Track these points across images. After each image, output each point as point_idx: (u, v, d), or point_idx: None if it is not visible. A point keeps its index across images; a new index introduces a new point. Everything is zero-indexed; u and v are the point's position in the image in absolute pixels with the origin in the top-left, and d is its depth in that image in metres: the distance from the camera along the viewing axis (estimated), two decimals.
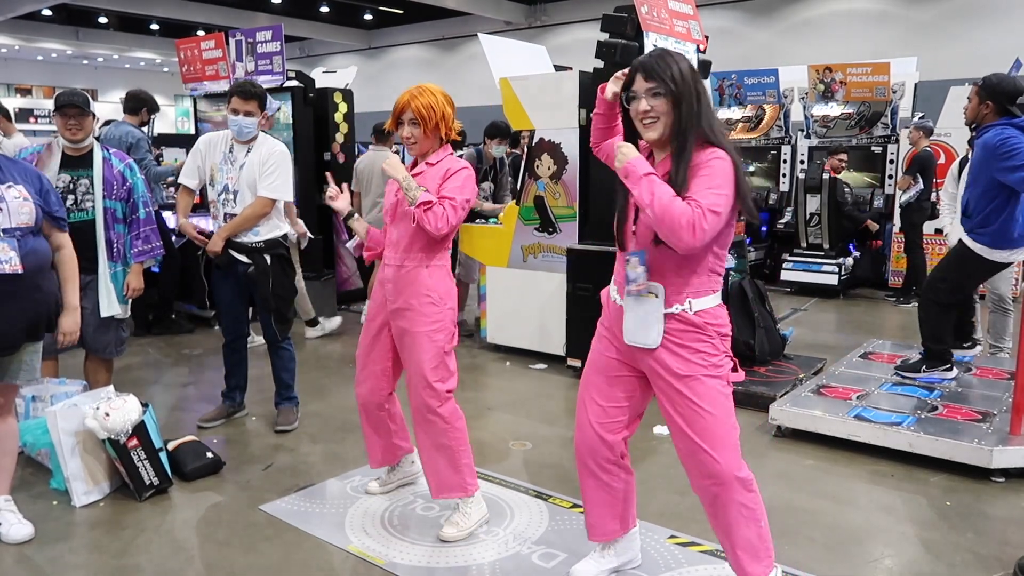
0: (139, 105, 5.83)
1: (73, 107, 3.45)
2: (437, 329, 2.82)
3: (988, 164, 3.88)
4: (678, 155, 2.11)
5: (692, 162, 2.08)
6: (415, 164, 2.89)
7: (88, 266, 3.41)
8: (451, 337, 2.88)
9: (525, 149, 5.45)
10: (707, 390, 2.17)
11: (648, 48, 4.45)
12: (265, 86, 6.49)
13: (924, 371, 4.25)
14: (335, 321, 6.29)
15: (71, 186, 3.49)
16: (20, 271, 2.66)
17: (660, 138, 2.15)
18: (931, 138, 7.42)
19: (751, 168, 8.95)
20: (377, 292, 2.98)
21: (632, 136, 2.23)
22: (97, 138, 3.76)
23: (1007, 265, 4.18)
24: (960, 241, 4.13)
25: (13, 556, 2.77)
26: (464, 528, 2.87)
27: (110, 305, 3.55)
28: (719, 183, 2.04)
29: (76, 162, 3.54)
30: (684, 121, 2.10)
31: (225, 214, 3.82)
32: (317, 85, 6.97)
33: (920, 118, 7.75)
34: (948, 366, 4.27)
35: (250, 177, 3.78)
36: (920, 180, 7.07)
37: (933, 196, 7.17)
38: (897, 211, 7.62)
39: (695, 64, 4.98)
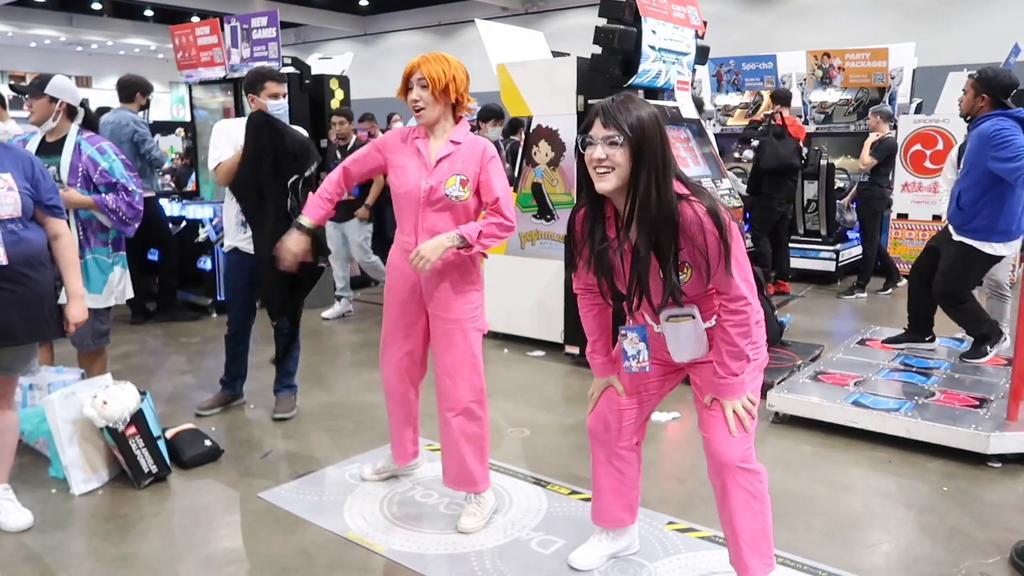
0: (132, 90, 5.81)
1: (19, 92, 3.66)
2: (478, 315, 2.85)
3: (982, 153, 3.95)
4: (659, 222, 1.99)
5: (689, 228, 2.00)
6: (426, 139, 2.74)
7: None
8: (484, 321, 2.91)
9: (523, 135, 5.42)
10: (743, 373, 2.18)
11: (646, 34, 4.43)
12: None
13: (988, 350, 4.33)
14: None
15: None
16: (4, 262, 2.63)
17: (613, 190, 2.02)
18: (924, 124, 7.44)
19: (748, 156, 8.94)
20: (399, 276, 2.85)
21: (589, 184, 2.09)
22: (89, 125, 3.74)
23: (1001, 258, 4.25)
24: (960, 243, 4.19)
25: (12, 544, 2.78)
26: (482, 518, 2.87)
27: None
28: (740, 256, 2.04)
29: (51, 148, 3.57)
30: (648, 176, 1.97)
31: None
32: (313, 72, 6.92)
33: (925, 104, 7.64)
34: (1003, 335, 4.39)
35: None
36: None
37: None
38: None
39: (693, 49, 4.95)
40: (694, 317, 2.16)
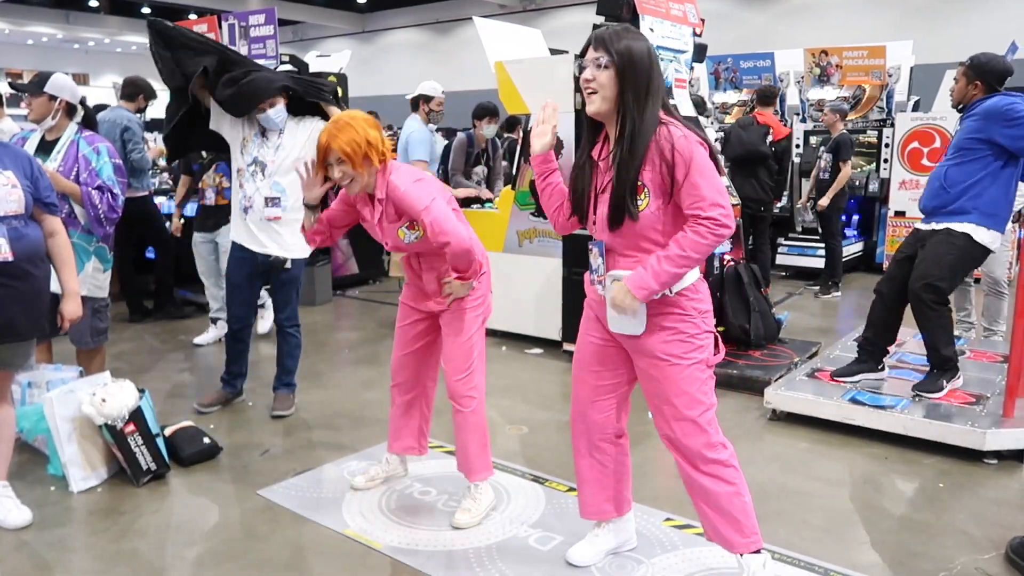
0: (136, 91, 5.86)
1: (19, 90, 3.71)
2: (479, 303, 2.85)
3: (988, 129, 3.66)
4: (629, 138, 2.09)
5: (660, 146, 2.06)
6: (370, 201, 2.79)
7: None
8: (488, 310, 2.92)
9: (521, 133, 5.42)
10: (680, 372, 2.20)
11: (644, 32, 4.43)
12: None
13: (945, 385, 3.81)
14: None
15: None
16: (10, 259, 2.64)
17: (599, 112, 2.14)
18: (921, 122, 7.45)
19: None
20: (413, 303, 2.97)
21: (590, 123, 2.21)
22: (89, 124, 3.74)
23: (987, 252, 3.84)
24: (946, 230, 3.74)
25: (11, 542, 2.78)
26: (477, 515, 2.88)
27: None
28: (710, 175, 2.05)
29: (51, 146, 3.60)
30: (626, 98, 2.08)
31: (267, 198, 3.77)
32: (311, 69, 6.92)
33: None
34: (959, 372, 3.89)
35: (291, 159, 3.74)
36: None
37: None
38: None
39: (691, 47, 4.97)
40: None
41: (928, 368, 3.93)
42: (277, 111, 3.72)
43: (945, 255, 3.74)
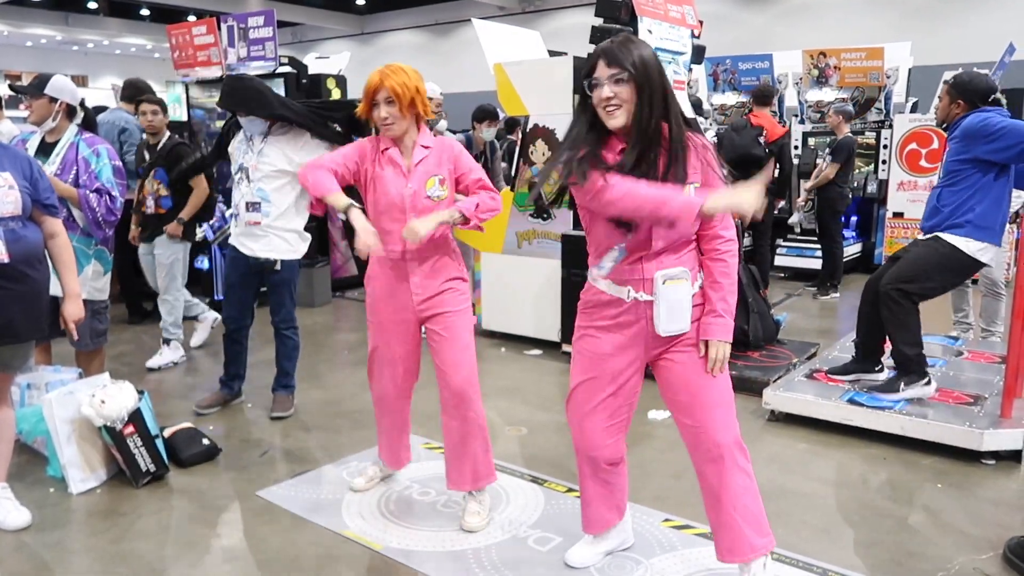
0: (135, 93, 5.84)
1: (19, 93, 3.71)
2: (467, 308, 2.88)
3: (971, 148, 3.69)
4: (675, 143, 2.10)
5: (698, 152, 2.13)
6: (396, 147, 2.74)
7: None
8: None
9: (520, 135, 5.43)
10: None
11: (642, 33, 4.45)
12: (257, 72, 6.52)
13: (903, 388, 3.73)
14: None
15: None
16: (6, 260, 2.65)
17: (624, 126, 2.09)
18: (918, 124, 7.46)
19: None
20: (387, 285, 2.84)
21: (594, 127, 2.14)
22: (88, 125, 3.76)
23: (981, 265, 3.79)
24: (936, 238, 3.74)
25: (11, 543, 2.78)
26: (485, 516, 2.88)
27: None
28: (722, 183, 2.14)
29: (49, 147, 3.62)
30: (649, 108, 2.05)
31: (248, 203, 3.78)
32: (310, 71, 6.94)
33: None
34: (927, 378, 3.75)
35: (270, 164, 3.74)
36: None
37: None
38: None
39: (689, 49, 4.98)
40: (686, 279, 2.18)
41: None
42: (247, 120, 3.76)
43: (923, 258, 3.74)
